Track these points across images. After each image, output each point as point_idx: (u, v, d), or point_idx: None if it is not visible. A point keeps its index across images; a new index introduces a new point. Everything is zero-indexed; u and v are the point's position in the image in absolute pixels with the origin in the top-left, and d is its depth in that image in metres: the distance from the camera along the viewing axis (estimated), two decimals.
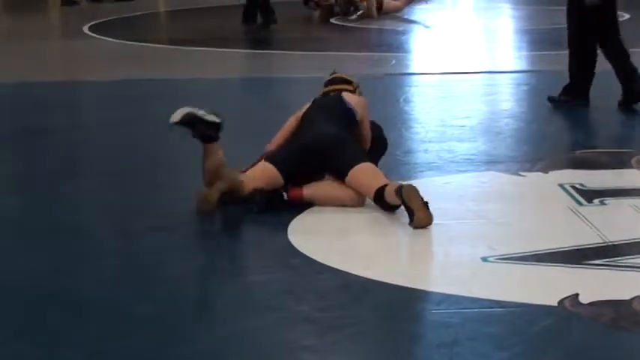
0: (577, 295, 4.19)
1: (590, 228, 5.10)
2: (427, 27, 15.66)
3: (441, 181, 6.07)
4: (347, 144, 5.63)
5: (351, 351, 3.86)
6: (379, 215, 5.37)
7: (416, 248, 5.10)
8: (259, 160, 5.67)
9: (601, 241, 4.90)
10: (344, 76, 6.17)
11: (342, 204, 5.50)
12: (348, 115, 5.83)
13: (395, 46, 13.72)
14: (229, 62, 12.38)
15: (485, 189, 5.97)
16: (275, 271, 4.64)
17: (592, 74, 8.27)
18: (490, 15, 17.54)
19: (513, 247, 4.84)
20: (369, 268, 4.60)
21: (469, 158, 6.62)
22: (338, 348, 3.85)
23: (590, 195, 5.67)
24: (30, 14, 18.13)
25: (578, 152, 6.85)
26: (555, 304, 4.12)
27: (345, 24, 15.93)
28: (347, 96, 5.93)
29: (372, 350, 3.88)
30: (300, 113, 5.88)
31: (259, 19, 15.48)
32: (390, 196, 5.28)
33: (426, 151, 6.90)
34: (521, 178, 6.13)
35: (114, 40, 13.84)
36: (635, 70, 8.16)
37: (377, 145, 6.01)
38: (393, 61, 11.70)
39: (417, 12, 17.24)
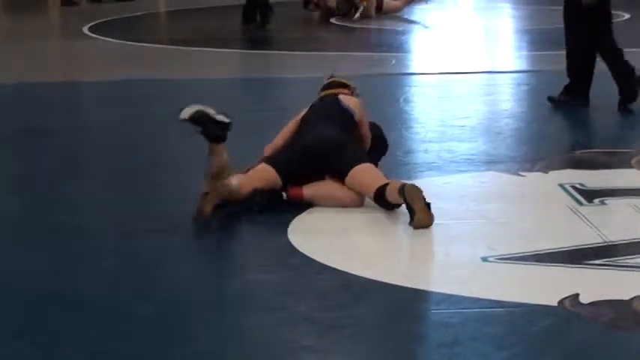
0: (577, 295, 4.19)
1: (591, 228, 5.10)
2: (427, 27, 15.65)
3: (441, 181, 6.07)
4: (347, 145, 5.64)
5: (351, 351, 3.86)
6: (379, 215, 5.37)
7: (416, 248, 5.10)
8: (260, 162, 5.67)
9: (601, 241, 4.90)
10: (341, 80, 6.16)
11: (342, 204, 5.50)
12: (346, 116, 5.83)
13: (395, 46, 13.71)
14: (229, 62, 12.38)
15: (485, 189, 5.97)
16: (275, 270, 4.64)
17: (592, 74, 8.27)
18: (490, 15, 17.54)
19: (513, 247, 4.84)
20: (369, 268, 4.60)
21: (469, 158, 6.62)
22: (338, 348, 3.85)
23: (590, 195, 5.67)
24: (30, 14, 18.13)
25: (578, 152, 6.85)
26: (555, 304, 4.12)
27: (345, 24, 15.92)
28: (344, 98, 5.94)
29: (372, 350, 3.88)
30: (298, 118, 5.89)
31: (259, 19, 15.48)
32: (392, 195, 5.28)
33: (426, 151, 6.90)
34: (521, 178, 6.13)
35: (114, 41, 13.83)
36: (631, 69, 8.16)
37: (377, 145, 6.01)
38: (393, 61, 11.70)
39: (417, 12, 17.24)
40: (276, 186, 5.52)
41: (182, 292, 4.43)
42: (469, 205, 5.53)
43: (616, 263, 4.64)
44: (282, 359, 3.80)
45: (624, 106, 8.13)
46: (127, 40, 13.81)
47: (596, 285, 4.35)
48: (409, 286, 4.42)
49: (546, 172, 6.20)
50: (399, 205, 5.31)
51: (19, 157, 7.18)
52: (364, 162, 5.54)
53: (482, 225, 5.23)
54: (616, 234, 4.99)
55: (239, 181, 5.45)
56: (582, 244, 4.87)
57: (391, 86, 9.92)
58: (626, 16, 15.28)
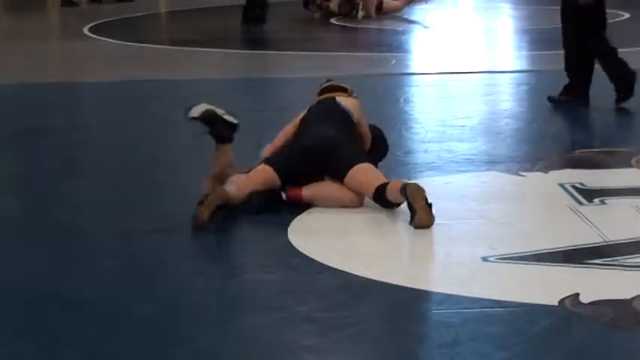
0: (577, 294, 4.18)
1: (591, 227, 5.10)
2: (427, 27, 15.65)
3: (441, 181, 6.06)
4: (346, 145, 5.63)
5: (351, 351, 3.85)
6: (379, 215, 5.37)
7: (416, 248, 5.09)
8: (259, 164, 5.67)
9: (601, 241, 4.90)
10: (338, 84, 6.16)
11: (341, 204, 5.49)
12: (344, 117, 5.83)
13: (395, 46, 13.71)
14: (230, 63, 12.38)
15: (485, 189, 5.97)
16: (275, 270, 4.64)
17: (591, 74, 8.28)
18: (490, 15, 17.54)
19: (514, 246, 4.84)
20: (369, 268, 4.59)
21: (469, 158, 6.62)
22: (338, 348, 3.85)
23: (590, 194, 5.67)
24: (30, 15, 18.13)
25: (578, 152, 6.84)
26: (556, 303, 4.12)
27: (345, 24, 15.93)
28: (342, 100, 5.94)
29: (373, 350, 3.88)
30: (297, 120, 5.88)
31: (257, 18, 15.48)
32: (392, 194, 5.28)
33: (426, 151, 6.89)
34: (521, 177, 6.13)
35: (114, 41, 13.83)
36: (626, 67, 8.18)
37: (377, 145, 6.01)
38: (393, 61, 11.70)
39: (417, 12, 17.24)
40: (275, 186, 5.52)
41: (182, 292, 4.43)
42: (469, 205, 5.53)
43: (616, 263, 4.63)
44: (282, 359, 3.80)
45: (621, 102, 8.15)
46: (127, 41, 13.82)
47: (597, 284, 4.35)
48: (409, 286, 4.41)
49: (546, 172, 6.19)
50: (398, 205, 5.30)
51: (19, 157, 7.18)
52: (363, 161, 5.54)
53: (482, 225, 5.23)
54: (616, 233, 4.99)
55: (237, 184, 5.44)
56: (582, 243, 4.87)
57: (391, 86, 9.92)
58: (626, 15, 15.28)
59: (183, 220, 5.23)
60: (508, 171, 6.25)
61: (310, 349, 3.83)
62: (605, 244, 4.86)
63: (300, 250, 4.87)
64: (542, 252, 4.76)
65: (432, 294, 4.38)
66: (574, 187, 5.82)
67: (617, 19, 14.75)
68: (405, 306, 4.28)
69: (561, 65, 8.37)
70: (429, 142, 7.16)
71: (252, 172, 5.56)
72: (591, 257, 4.69)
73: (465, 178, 6.15)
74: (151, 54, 12.82)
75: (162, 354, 3.81)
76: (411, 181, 5.35)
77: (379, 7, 16.65)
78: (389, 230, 5.25)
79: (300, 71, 10.86)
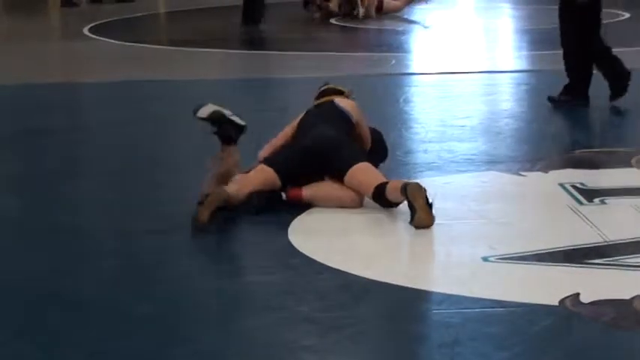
0: (578, 294, 4.18)
1: (591, 227, 5.09)
2: (427, 27, 15.66)
3: (441, 181, 6.06)
4: (346, 145, 5.63)
5: (351, 351, 3.85)
6: (379, 215, 5.36)
7: (416, 248, 5.09)
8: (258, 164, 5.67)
9: (601, 241, 4.90)
10: (335, 86, 6.16)
11: (341, 204, 5.49)
12: (343, 118, 5.83)
13: (395, 46, 13.72)
14: (229, 63, 12.38)
15: (485, 189, 5.97)
16: (275, 271, 4.64)
17: (591, 74, 8.28)
18: (490, 15, 17.54)
19: (514, 246, 4.84)
20: (370, 268, 4.59)
21: (469, 158, 6.61)
22: (338, 348, 3.84)
23: (590, 194, 5.67)
24: (30, 15, 18.14)
25: (578, 152, 6.84)
26: (556, 303, 4.12)
27: (345, 24, 15.93)
28: (340, 101, 5.94)
29: (373, 350, 3.88)
30: (295, 123, 5.88)
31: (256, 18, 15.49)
32: (392, 194, 5.28)
33: (426, 151, 6.89)
34: (521, 177, 6.13)
35: (114, 42, 13.84)
36: (619, 64, 8.19)
37: (377, 148, 6.00)
38: (393, 61, 11.70)
39: (417, 12, 17.24)
40: (275, 186, 5.51)
41: (182, 292, 4.43)
42: (469, 205, 5.53)
43: (616, 263, 4.63)
44: (282, 359, 3.80)
45: (615, 99, 8.18)
46: (127, 41, 13.82)
47: (597, 284, 4.35)
48: (409, 286, 4.41)
49: (546, 172, 6.19)
50: (397, 204, 5.30)
51: (19, 157, 7.18)
52: (363, 161, 5.53)
53: (482, 225, 5.22)
54: (616, 233, 4.99)
55: (237, 184, 5.45)
56: (583, 243, 4.87)
57: (391, 86, 9.92)
58: (626, 15, 15.29)
59: (183, 220, 5.23)
60: (508, 171, 6.25)
61: (310, 349, 3.82)
62: (606, 243, 4.86)
63: (301, 250, 4.86)
64: (542, 252, 4.75)
65: (432, 294, 4.38)
66: (574, 186, 5.82)
67: (617, 19, 14.76)
68: (405, 306, 4.28)
69: (561, 65, 8.38)
70: (429, 142, 7.16)
71: (251, 173, 5.56)
72: (591, 257, 4.69)
73: (465, 178, 6.15)
74: (151, 54, 12.82)
75: (162, 354, 3.81)
76: (411, 181, 5.34)
77: (379, 8, 16.66)
78: (389, 230, 5.25)
79: (300, 71, 10.86)
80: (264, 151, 5.78)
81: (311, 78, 9.28)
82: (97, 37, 14.28)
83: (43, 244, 5.13)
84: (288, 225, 5.22)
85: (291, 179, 5.54)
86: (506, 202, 5.63)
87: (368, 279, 4.47)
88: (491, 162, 6.52)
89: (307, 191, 5.52)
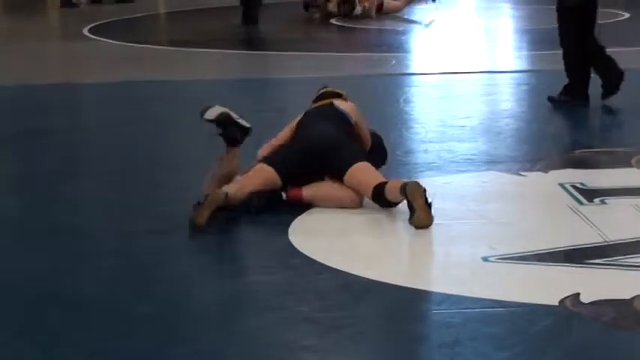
0: (578, 294, 4.18)
1: (591, 227, 5.09)
2: (427, 25, 15.67)
3: (441, 181, 6.06)
4: (345, 144, 5.63)
5: (351, 351, 3.85)
6: (379, 216, 5.36)
7: (416, 248, 5.09)
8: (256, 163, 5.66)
9: (602, 241, 4.90)
10: (334, 90, 6.15)
11: (341, 205, 5.49)
12: (343, 119, 5.82)
13: (395, 46, 13.72)
14: (229, 63, 12.39)
15: (485, 189, 5.97)
16: (275, 271, 4.64)
17: (590, 74, 8.28)
18: (490, 15, 17.55)
19: (514, 246, 4.83)
20: (370, 269, 4.59)
21: (469, 158, 6.61)
22: (338, 348, 3.84)
23: (590, 194, 5.67)
24: (29, 16, 18.14)
25: (578, 152, 6.84)
26: (556, 303, 4.11)
27: (345, 24, 15.94)
28: (339, 103, 5.94)
29: (373, 350, 3.87)
30: (293, 124, 5.87)
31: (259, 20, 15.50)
32: (391, 194, 5.28)
33: (426, 151, 6.89)
34: (521, 177, 6.12)
35: (114, 42, 13.84)
36: (613, 63, 8.20)
37: (377, 149, 6.00)
38: (393, 61, 11.71)
39: (417, 12, 17.25)
40: (276, 185, 5.51)
41: (182, 292, 4.43)
42: (469, 205, 5.53)
43: (617, 262, 4.63)
44: (282, 359, 3.80)
45: (607, 97, 8.21)
46: (127, 42, 13.82)
47: (597, 284, 4.35)
48: (410, 286, 4.41)
49: (546, 172, 6.19)
50: (396, 204, 5.30)
51: (19, 157, 7.18)
52: (363, 161, 5.53)
53: (482, 225, 5.22)
54: (616, 233, 4.98)
55: (237, 184, 5.44)
56: (583, 243, 4.87)
57: (391, 86, 9.92)
58: (626, 15, 15.29)
59: (183, 220, 5.23)
60: (508, 171, 6.25)
61: (310, 349, 3.82)
62: (606, 243, 4.86)
63: (301, 250, 4.86)
64: (542, 252, 4.75)
65: (432, 294, 4.37)
66: (574, 186, 5.82)
67: (617, 19, 14.77)
68: (405, 306, 4.27)
69: (561, 65, 8.38)
70: (429, 142, 7.16)
71: (251, 172, 5.55)
72: (592, 257, 4.69)
73: (465, 178, 6.15)
74: (151, 55, 12.82)
75: (162, 354, 3.81)
76: (411, 180, 5.33)
77: (379, 8, 16.67)
78: (389, 230, 5.25)
79: (299, 72, 10.87)
80: (263, 151, 5.78)
81: (311, 78, 9.29)
82: (97, 38, 14.29)
83: (43, 244, 5.13)
84: (288, 225, 5.22)
85: (291, 179, 5.54)
86: (506, 202, 5.63)
87: (368, 279, 4.47)
88: (491, 162, 6.52)
89: (307, 191, 5.52)
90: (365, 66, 11.47)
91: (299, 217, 5.36)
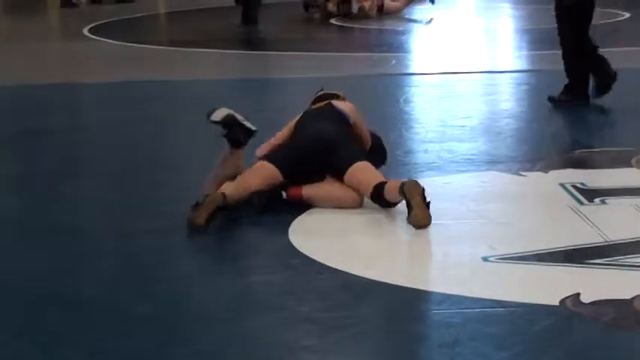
0: (578, 294, 4.18)
1: (591, 227, 5.09)
2: (428, 22, 15.68)
3: (441, 181, 6.06)
4: (345, 143, 5.63)
5: (351, 351, 3.85)
6: (379, 216, 5.36)
7: (416, 248, 5.09)
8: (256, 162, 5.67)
9: (602, 241, 4.89)
10: (331, 91, 6.15)
11: (341, 205, 5.48)
12: (342, 119, 5.82)
13: (395, 46, 13.72)
14: (229, 63, 12.39)
15: (485, 189, 5.97)
16: (275, 271, 4.64)
17: (588, 73, 8.28)
18: (490, 15, 17.55)
19: (514, 246, 4.83)
20: (370, 269, 4.59)
21: (469, 158, 6.61)
22: (338, 348, 3.84)
23: (590, 194, 5.67)
24: (29, 16, 18.14)
25: (578, 152, 6.85)
26: (556, 303, 4.11)
27: (345, 24, 15.94)
28: (338, 103, 5.94)
29: (373, 350, 3.87)
30: (292, 124, 5.87)
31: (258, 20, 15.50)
32: (390, 194, 5.27)
33: (426, 151, 6.89)
34: (521, 177, 6.12)
35: (114, 42, 13.85)
36: (606, 63, 8.21)
37: (376, 149, 6.00)
38: (393, 61, 11.71)
39: (417, 12, 17.25)
40: (277, 183, 5.50)
41: (182, 292, 4.43)
42: (469, 205, 5.52)
43: (617, 262, 4.63)
44: (282, 359, 3.79)
45: (600, 95, 8.23)
46: (127, 42, 13.83)
47: (597, 284, 4.35)
48: (410, 286, 4.41)
49: (547, 172, 6.19)
50: (395, 204, 5.30)
51: (19, 157, 7.18)
52: (363, 160, 5.53)
53: (482, 225, 5.22)
54: (617, 233, 4.98)
55: (235, 183, 5.44)
56: (583, 243, 4.87)
57: (391, 86, 9.92)
58: (626, 15, 15.29)
59: (183, 220, 5.23)
60: (508, 171, 6.25)
61: (311, 349, 3.82)
62: (606, 243, 4.86)
63: (301, 250, 4.86)
64: (542, 252, 4.75)
65: (432, 294, 4.37)
66: (574, 186, 5.82)
67: (617, 19, 14.77)
68: (406, 306, 4.27)
69: (561, 65, 8.38)
70: (429, 142, 7.16)
71: (252, 171, 5.55)
72: (592, 257, 4.69)
73: (465, 178, 6.15)
74: (151, 55, 12.82)
75: (162, 354, 3.80)
76: (409, 179, 5.33)
77: (380, 8, 16.68)
78: (389, 230, 5.25)
79: (299, 72, 10.87)
80: (262, 150, 5.78)
81: (311, 78, 9.30)
82: (97, 38, 14.29)
83: (43, 244, 5.13)
84: (288, 225, 5.22)
85: (292, 177, 5.54)
86: (506, 202, 5.63)
87: (368, 279, 4.47)
88: (491, 162, 6.52)
89: (307, 191, 5.52)
90: (365, 66, 11.47)
91: (299, 217, 5.36)
